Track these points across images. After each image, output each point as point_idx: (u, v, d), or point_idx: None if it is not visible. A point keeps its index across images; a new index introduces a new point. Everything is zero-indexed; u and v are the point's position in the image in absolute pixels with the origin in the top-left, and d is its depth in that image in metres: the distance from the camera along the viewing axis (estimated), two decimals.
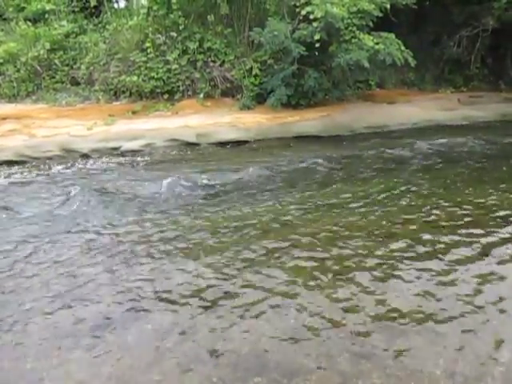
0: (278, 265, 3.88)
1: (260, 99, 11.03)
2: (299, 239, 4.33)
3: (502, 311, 3.19)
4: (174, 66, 11.10)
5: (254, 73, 11.13)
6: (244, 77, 11.20)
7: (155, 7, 11.45)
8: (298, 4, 10.47)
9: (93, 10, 13.36)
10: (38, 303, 3.40)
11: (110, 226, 4.79)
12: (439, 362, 2.71)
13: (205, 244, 4.32)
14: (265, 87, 11.00)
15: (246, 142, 9.49)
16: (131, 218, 5.05)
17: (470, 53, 13.28)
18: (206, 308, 3.30)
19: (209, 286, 3.57)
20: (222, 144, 9.31)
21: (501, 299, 3.30)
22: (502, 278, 3.60)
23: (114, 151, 8.84)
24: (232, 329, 3.07)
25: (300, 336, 2.98)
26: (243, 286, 3.57)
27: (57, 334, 3.07)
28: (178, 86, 11.20)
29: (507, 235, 4.32)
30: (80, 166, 7.93)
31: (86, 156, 8.60)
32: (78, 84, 11.73)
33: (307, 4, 10.23)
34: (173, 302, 3.39)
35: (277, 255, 4.04)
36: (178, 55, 11.23)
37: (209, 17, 11.51)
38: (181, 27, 11.30)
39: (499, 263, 3.84)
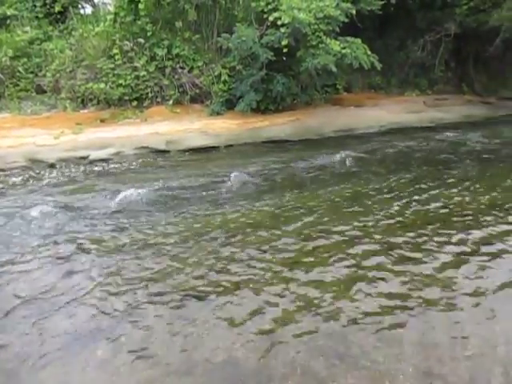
0: (249, 270, 3.89)
1: (229, 105, 11.06)
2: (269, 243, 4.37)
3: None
4: (143, 73, 11.01)
5: (222, 79, 11.16)
6: (213, 83, 11.22)
7: (122, 13, 11.35)
8: (265, 10, 10.58)
9: (58, 16, 13.12)
10: None
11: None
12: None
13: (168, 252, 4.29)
14: (234, 93, 11.05)
15: (216, 147, 9.48)
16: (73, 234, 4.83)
17: (434, 57, 13.68)
18: (177, 317, 3.29)
19: (181, 293, 3.56)
20: (193, 150, 9.27)
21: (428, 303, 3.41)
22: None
23: (83, 160, 8.68)
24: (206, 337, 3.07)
25: (275, 341, 3.00)
26: (215, 292, 3.57)
27: None
28: (147, 93, 11.11)
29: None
30: (45, 175, 7.73)
31: (52, 166, 8.40)
32: (43, 92, 11.47)
33: (275, 10, 10.36)
34: (143, 313, 3.37)
35: (243, 261, 4.05)
36: (146, 62, 11.15)
37: (177, 23, 11.49)
38: (148, 34, 11.23)
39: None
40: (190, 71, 11.40)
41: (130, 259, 4.18)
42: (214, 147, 9.47)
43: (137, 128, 9.82)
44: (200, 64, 11.44)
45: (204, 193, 6.14)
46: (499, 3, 12.80)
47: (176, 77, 11.28)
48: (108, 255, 4.29)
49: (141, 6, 11.00)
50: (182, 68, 11.36)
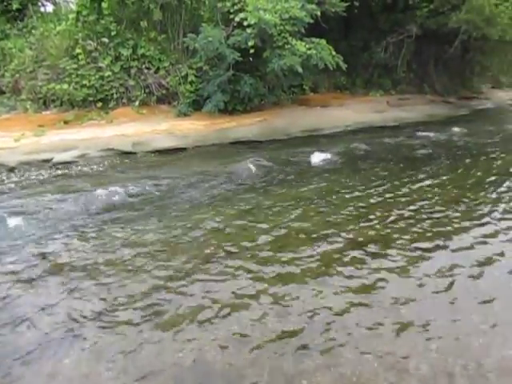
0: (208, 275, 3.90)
1: (197, 106, 11.01)
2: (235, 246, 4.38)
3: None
4: (107, 73, 10.80)
5: (189, 79, 11.10)
6: (180, 83, 11.13)
7: (85, 12, 11.11)
8: (231, 11, 10.60)
9: (16, 14, 12.72)
10: None
11: None
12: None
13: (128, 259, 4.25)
14: (201, 94, 11.00)
15: (183, 149, 9.42)
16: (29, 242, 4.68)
17: (397, 58, 14.03)
18: (143, 323, 3.26)
19: (143, 300, 3.52)
20: (160, 152, 9.17)
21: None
22: None
23: (45, 163, 8.43)
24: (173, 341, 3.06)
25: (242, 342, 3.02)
26: (177, 297, 3.55)
27: None
28: (112, 94, 10.90)
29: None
30: (4, 179, 7.44)
31: (12, 169, 8.12)
32: (2, 93, 11.10)
33: (240, 11, 10.39)
34: (109, 321, 3.32)
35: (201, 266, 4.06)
36: (111, 62, 10.95)
37: (142, 23, 11.34)
38: (113, 33, 11.04)
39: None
40: (156, 72, 11.27)
41: (88, 264, 4.12)
42: (181, 148, 9.39)
43: (102, 130, 9.63)
44: (166, 64, 11.34)
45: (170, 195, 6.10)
46: (458, 6, 13.26)
47: (142, 77, 11.13)
48: (65, 258, 4.22)
49: (104, 4, 10.81)
50: (147, 68, 11.22)
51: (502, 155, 8.39)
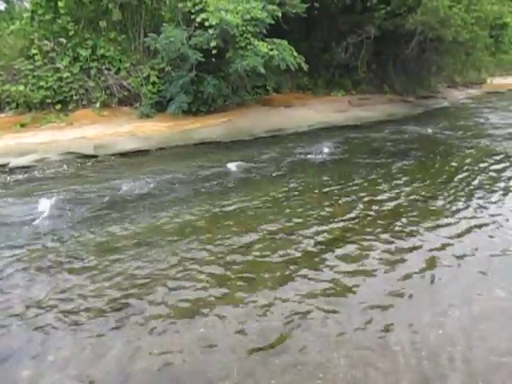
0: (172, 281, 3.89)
1: (160, 107, 10.88)
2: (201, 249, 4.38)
3: None
4: (66, 74, 10.50)
5: (151, 80, 10.95)
6: (141, 85, 10.97)
7: (40, 11, 10.77)
8: (192, 11, 10.52)
9: None
10: None
11: None
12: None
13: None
14: (164, 95, 10.88)
15: (147, 151, 9.28)
16: None
17: (357, 58, 14.31)
18: (111, 328, 3.21)
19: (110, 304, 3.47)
20: (122, 155, 9.00)
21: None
22: None
23: (1, 168, 8.12)
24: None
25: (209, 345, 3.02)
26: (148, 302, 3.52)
27: None
28: (72, 96, 10.61)
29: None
30: None
31: None
32: None
33: (202, 11, 10.33)
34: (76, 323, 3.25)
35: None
36: (69, 63, 10.66)
37: (101, 23, 11.10)
38: (70, 33, 10.76)
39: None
40: (116, 73, 11.06)
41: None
42: (145, 151, 9.25)
43: (62, 132, 9.36)
44: (127, 65, 11.15)
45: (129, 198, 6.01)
46: (413, 8, 13.66)
47: (102, 78, 10.89)
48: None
49: (60, 3, 10.53)
50: (108, 69, 11.00)
51: (466, 150, 8.82)
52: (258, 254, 4.28)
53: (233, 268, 4.02)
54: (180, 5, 10.72)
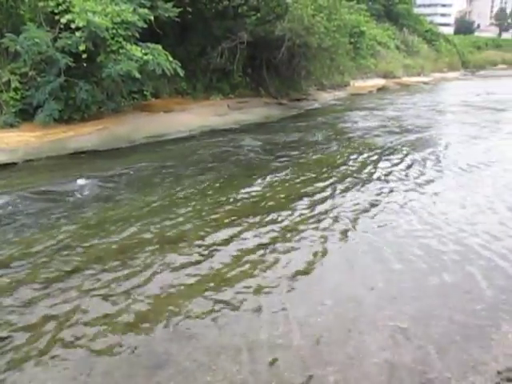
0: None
1: (25, 115, 9.89)
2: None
3: None
4: None
5: (13, 86, 9.91)
6: (1, 91, 9.90)
7: None
8: (56, 11, 9.81)
9: None
10: None
11: None
12: None
13: None
14: (29, 102, 9.92)
15: (14, 164, 8.41)
16: None
17: (232, 63, 14.64)
18: None
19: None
20: None
21: None
22: None
23: None
24: None
25: None
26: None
27: None
28: None
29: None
30: None
31: None
32: None
33: (67, 12, 9.69)
34: None
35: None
36: None
37: None
38: None
39: None
40: None
41: None
42: (10, 164, 8.37)
43: None
44: None
45: None
46: (281, 15, 14.45)
47: None
48: None
49: None
50: None
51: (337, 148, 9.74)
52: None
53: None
54: (40, 4, 9.92)
